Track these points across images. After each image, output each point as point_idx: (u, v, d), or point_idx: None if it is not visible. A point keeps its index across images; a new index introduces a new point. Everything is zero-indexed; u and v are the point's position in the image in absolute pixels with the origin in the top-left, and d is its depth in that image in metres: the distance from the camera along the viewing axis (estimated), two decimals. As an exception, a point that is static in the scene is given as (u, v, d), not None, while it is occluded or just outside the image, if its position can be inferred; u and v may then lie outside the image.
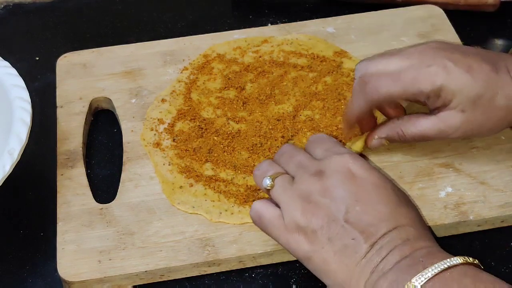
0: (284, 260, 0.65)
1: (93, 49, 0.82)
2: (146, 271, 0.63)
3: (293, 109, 0.74)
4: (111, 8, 0.93)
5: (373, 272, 0.53)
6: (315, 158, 0.59)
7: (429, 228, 0.61)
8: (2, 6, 0.93)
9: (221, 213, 0.66)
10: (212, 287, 0.64)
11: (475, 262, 0.52)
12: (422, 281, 0.50)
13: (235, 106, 0.75)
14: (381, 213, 0.55)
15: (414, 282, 0.50)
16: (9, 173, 0.62)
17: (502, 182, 0.68)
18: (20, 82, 0.68)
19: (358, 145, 0.68)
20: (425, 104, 0.62)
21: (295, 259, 0.64)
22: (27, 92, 0.68)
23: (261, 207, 0.59)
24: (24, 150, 0.64)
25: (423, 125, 0.62)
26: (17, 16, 0.92)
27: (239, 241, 0.64)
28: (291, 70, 0.78)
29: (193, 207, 0.67)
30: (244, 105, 0.75)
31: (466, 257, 0.52)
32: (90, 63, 0.80)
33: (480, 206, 0.66)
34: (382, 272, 0.52)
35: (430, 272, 0.50)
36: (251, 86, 0.77)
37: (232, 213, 0.66)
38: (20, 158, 0.63)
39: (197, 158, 0.70)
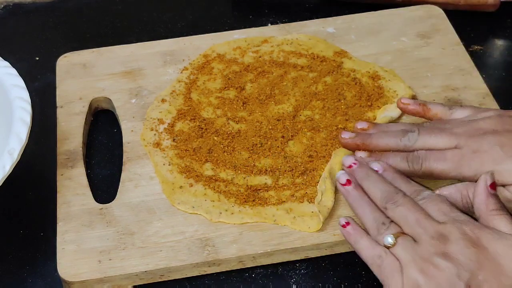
0: (284, 260, 0.65)
1: (93, 49, 0.82)
2: (146, 271, 0.63)
3: (293, 109, 0.74)
4: (111, 8, 0.93)
5: None
6: (433, 219, 0.58)
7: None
8: (2, 6, 0.93)
9: (221, 213, 0.66)
10: (212, 287, 0.64)
11: None
12: None
13: (235, 106, 0.75)
14: (504, 285, 0.53)
15: None
16: (9, 173, 0.62)
17: (502, 182, 0.68)
18: (20, 82, 0.68)
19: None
20: None
21: (295, 259, 0.64)
22: (27, 92, 0.68)
23: (386, 258, 0.57)
24: (24, 150, 0.64)
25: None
26: (17, 16, 0.92)
27: (239, 241, 0.64)
28: (291, 70, 0.78)
29: (193, 207, 0.67)
30: (244, 105, 0.75)
31: None
32: (90, 63, 0.80)
33: (480, 206, 0.66)
34: None
35: None
36: (251, 86, 0.77)
37: (232, 213, 0.66)
38: (20, 158, 0.63)
39: (197, 158, 0.70)
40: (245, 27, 0.84)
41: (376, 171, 0.64)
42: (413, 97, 0.75)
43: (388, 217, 0.59)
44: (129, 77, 0.79)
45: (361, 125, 0.69)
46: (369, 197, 0.62)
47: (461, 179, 0.63)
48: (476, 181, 0.60)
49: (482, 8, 0.88)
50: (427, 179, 0.64)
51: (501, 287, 0.53)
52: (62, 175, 0.70)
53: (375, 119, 0.73)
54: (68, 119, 0.75)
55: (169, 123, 0.74)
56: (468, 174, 0.62)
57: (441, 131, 0.64)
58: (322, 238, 0.64)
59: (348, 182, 0.63)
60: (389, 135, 0.67)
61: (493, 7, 0.87)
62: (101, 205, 0.67)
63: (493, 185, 0.59)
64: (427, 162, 0.63)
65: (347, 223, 0.60)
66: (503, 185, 0.60)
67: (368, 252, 0.58)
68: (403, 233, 0.57)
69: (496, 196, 0.58)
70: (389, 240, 0.57)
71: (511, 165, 0.60)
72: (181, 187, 0.68)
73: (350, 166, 0.65)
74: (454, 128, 0.64)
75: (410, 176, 0.64)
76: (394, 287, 0.55)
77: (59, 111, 0.76)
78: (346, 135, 0.69)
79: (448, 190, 0.62)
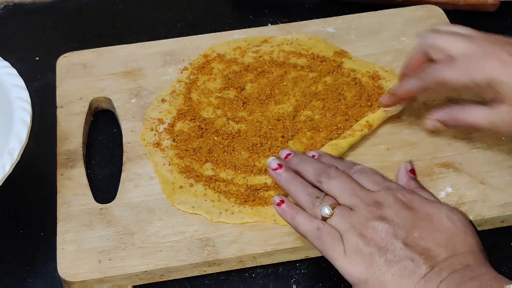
0: (284, 260, 0.65)
1: (93, 49, 0.82)
2: (146, 271, 0.63)
3: (293, 109, 0.74)
4: (111, 8, 0.93)
5: None
6: (367, 189, 0.59)
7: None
8: (2, 6, 0.93)
9: (221, 213, 0.66)
10: (212, 287, 0.64)
11: None
12: None
13: (235, 106, 0.75)
14: (439, 240, 0.55)
15: None
16: (9, 173, 0.62)
17: (502, 182, 0.68)
18: (20, 82, 0.68)
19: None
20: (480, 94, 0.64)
21: (295, 259, 0.65)
22: (27, 92, 0.68)
23: (324, 228, 0.58)
24: (24, 150, 0.64)
25: (476, 114, 0.64)
26: (17, 16, 0.92)
27: (239, 241, 0.64)
28: (291, 70, 0.78)
29: (193, 207, 0.67)
30: (244, 105, 0.75)
31: None
32: (90, 63, 0.80)
33: (480, 206, 0.66)
34: None
35: None
36: (251, 86, 0.77)
37: (232, 213, 0.66)
38: (20, 158, 0.63)
39: (197, 158, 0.70)
40: (245, 27, 0.84)
41: (312, 157, 0.65)
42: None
43: (322, 191, 0.60)
44: (129, 77, 0.79)
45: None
46: (302, 177, 0.62)
47: (473, 88, 0.63)
48: (478, 92, 0.63)
49: (482, 8, 0.88)
50: (437, 89, 0.67)
51: (435, 242, 0.55)
52: (62, 175, 0.70)
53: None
54: (68, 119, 0.75)
55: (169, 123, 0.74)
56: (477, 78, 0.62)
57: (455, 35, 0.65)
58: (322, 238, 0.64)
59: (279, 166, 0.63)
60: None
61: (493, 7, 0.87)
62: (101, 205, 0.67)
63: (412, 171, 0.63)
64: (439, 71, 0.64)
65: (282, 201, 0.61)
66: (493, 100, 0.62)
67: (306, 226, 0.59)
68: (339, 204, 0.59)
69: (415, 179, 0.62)
70: (326, 211, 0.58)
71: None
72: (181, 187, 0.68)
73: (286, 157, 0.65)
74: (469, 36, 0.65)
75: (424, 90, 0.67)
76: (337, 254, 0.56)
77: (59, 111, 0.76)
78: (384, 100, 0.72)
79: (439, 114, 0.67)
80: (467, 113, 0.65)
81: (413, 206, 0.57)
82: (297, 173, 0.63)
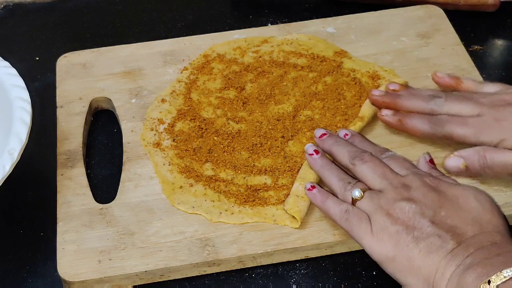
0: (284, 260, 0.65)
1: (93, 49, 0.82)
2: (146, 271, 0.63)
3: (293, 109, 0.74)
4: (111, 8, 0.93)
5: (459, 265, 0.54)
6: (396, 173, 0.62)
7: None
8: (2, 6, 0.93)
9: (221, 213, 0.66)
10: (212, 287, 0.64)
11: None
12: None
13: (235, 106, 0.75)
14: (466, 219, 0.57)
15: (504, 273, 0.51)
16: (9, 173, 0.62)
17: (502, 182, 0.68)
18: (20, 82, 0.68)
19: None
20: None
21: (295, 259, 0.64)
22: (27, 92, 0.68)
23: (352, 211, 0.60)
24: (24, 150, 0.64)
25: (507, 154, 0.65)
26: (17, 16, 0.92)
27: (239, 241, 0.64)
28: (291, 70, 0.78)
29: (193, 207, 0.67)
30: (244, 105, 0.75)
31: None
32: (90, 63, 0.80)
33: (480, 206, 0.66)
34: (470, 265, 0.53)
35: None
36: (251, 86, 0.77)
37: (232, 213, 0.66)
38: (20, 158, 0.63)
39: (197, 158, 0.70)
40: (245, 27, 0.84)
41: (344, 137, 0.67)
42: None
43: (354, 178, 0.63)
44: (129, 77, 0.79)
45: (393, 86, 0.73)
46: (336, 164, 0.65)
47: (478, 145, 0.66)
48: (500, 144, 0.65)
49: (482, 8, 0.88)
50: (446, 142, 0.68)
51: (462, 220, 0.56)
52: (62, 175, 0.70)
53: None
54: (68, 119, 0.75)
55: (169, 123, 0.74)
56: (486, 140, 0.65)
57: (467, 99, 0.68)
58: (322, 238, 0.64)
59: (316, 152, 0.66)
60: (417, 98, 0.70)
61: (493, 7, 0.87)
62: (101, 205, 0.67)
63: (431, 161, 0.65)
64: (449, 125, 0.67)
65: (313, 187, 0.64)
66: None
67: (335, 208, 0.61)
68: (370, 189, 0.61)
69: (435, 168, 0.64)
70: (356, 193, 0.61)
71: None
72: (181, 187, 0.68)
73: (320, 137, 0.68)
74: (480, 98, 0.68)
75: (430, 138, 0.68)
76: (363, 233, 0.58)
77: (59, 111, 0.76)
78: (376, 93, 0.72)
79: (467, 152, 0.66)
80: (498, 152, 0.65)
81: (440, 189, 0.59)
82: (331, 154, 0.66)
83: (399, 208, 0.58)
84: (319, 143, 0.68)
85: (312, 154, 0.66)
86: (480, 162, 0.66)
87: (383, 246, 0.57)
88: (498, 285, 0.50)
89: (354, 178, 0.63)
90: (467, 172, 0.67)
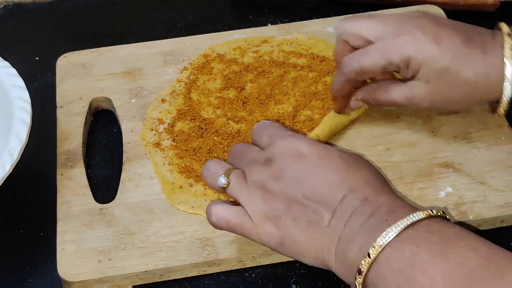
0: (284, 260, 0.65)
1: (93, 49, 0.82)
2: (146, 271, 0.63)
3: (292, 109, 0.74)
4: (111, 8, 0.93)
5: (340, 238, 0.53)
6: (262, 149, 0.60)
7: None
8: (2, 6, 0.93)
9: (221, 213, 0.66)
10: (212, 287, 0.64)
11: (439, 213, 0.52)
12: (386, 240, 0.50)
13: (235, 106, 0.75)
14: (333, 180, 0.55)
15: (379, 242, 0.50)
16: (9, 173, 0.62)
17: (502, 182, 0.68)
18: (20, 82, 0.68)
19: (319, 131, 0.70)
20: (399, 73, 0.65)
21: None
22: (27, 92, 0.68)
23: (224, 210, 0.58)
24: (24, 150, 0.64)
25: (393, 92, 0.65)
26: (17, 16, 0.92)
27: (239, 241, 0.64)
28: (291, 70, 0.78)
29: (193, 207, 0.67)
30: (244, 105, 0.75)
31: (429, 211, 0.52)
32: (90, 63, 0.80)
33: (480, 206, 0.66)
34: (350, 237, 0.53)
35: (393, 231, 0.50)
36: (251, 86, 0.77)
37: (232, 213, 0.66)
38: (20, 158, 0.63)
39: (197, 158, 0.70)
40: (245, 27, 0.84)
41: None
42: None
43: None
44: (129, 77, 0.79)
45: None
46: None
47: (393, 69, 0.64)
48: (401, 73, 0.63)
49: (482, 8, 0.88)
50: (360, 78, 0.66)
51: (331, 184, 0.55)
52: (62, 175, 0.70)
53: None
54: (68, 119, 0.75)
55: (169, 123, 0.74)
56: (395, 60, 0.62)
57: (369, 16, 0.66)
58: (322, 238, 0.64)
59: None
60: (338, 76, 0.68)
61: (493, 7, 0.87)
62: (101, 205, 0.67)
63: None
64: (353, 60, 0.64)
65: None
66: (411, 78, 0.63)
67: (227, 214, 0.58)
68: (233, 169, 0.59)
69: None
70: (222, 180, 0.58)
71: (427, 53, 0.61)
72: (181, 187, 0.68)
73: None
74: (381, 16, 0.66)
75: (347, 84, 0.67)
76: (247, 230, 0.57)
77: (59, 111, 0.76)
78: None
79: (361, 94, 0.68)
80: (385, 90, 0.65)
81: (302, 151, 0.57)
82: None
83: (269, 191, 0.56)
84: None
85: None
86: (373, 100, 0.67)
87: (269, 235, 0.56)
88: (377, 256, 0.50)
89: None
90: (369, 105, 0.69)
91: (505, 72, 0.60)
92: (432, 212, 0.52)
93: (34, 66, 0.84)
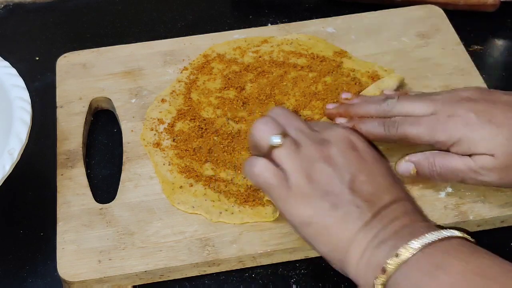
0: (284, 260, 0.65)
1: (93, 49, 0.82)
2: (145, 271, 0.63)
3: (292, 109, 0.74)
4: (111, 8, 0.93)
5: (374, 238, 0.53)
6: (313, 129, 0.60)
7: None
8: (2, 6, 0.93)
9: (221, 213, 0.66)
10: (212, 287, 0.64)
11: (472, 240, 0.53)
12: (419, 244, 0.51)
13: (235, 106, 0.75)
14: (382, 185, 0.56)
15: (411, 245, 0.51)
16: (9, 173, 0.62)
17: (502, 182, 0.68)
18: (20, 82, 0.68)
19: None
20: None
21: (295, 259, 0.64)
22: (27, 92, 0.68)
23: (267, 167, 0.57)
24: (24, 150, 0.64)
25: (455, 161, 0.63)
26: (17, 16, 0.92)
27: (239, 241, 0.64)
28: (291, 70, 0.78)
29: (193, 207, 0.67)
30: (244, 105, 0.75)
31: (465, 234, 0.53)
32: (90, 63, 0.80)
33: (480, 206, 0.66)
34: (383, 238, 0.53)
35: (428, 238, 0.51)
36: (251, 86, 0.77)
37: (232, 213, 0.66)
38: (20, 158, 0.63)
39: (197, 158, 0.70)
40: (245, 27, 0.84)
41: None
42: None
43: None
44: (129, 77, 0.79)
45: (345, 95, 0.72)
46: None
47: (434, 144, 0.63)
48: (448, 148, 0.62)
49: (482, 8, 0.88)
50: (403, 144, 0.65)
51: (380, 187, 0.56)
52: (62, 175, 0.70)
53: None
54: (68, 119, 0.75)
55: (169, 123, 0.74)
56: (441, 138, 0.62)
57: (421, 98, 0.66)
58: (322, 238, 0.64)
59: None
60: (370, 102, 0.68)
61: (493, 7, 0.87)
62: (101, 205, 0.67)
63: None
64: (403, 126, 0.64)
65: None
66: (470, 155, 0.61)
67: (267, 171, 0.57)
68: (289, 136, 0.58)
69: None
70: (277, 139, 0.58)
71: (482, 132, 0.61)
72: (181, 187, 0.68)
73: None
74: (434, 96, 0.65)
75: (386, 141, 0.66)
76: (279, 194, 0.56)
77: (59, 111, 0.76)
78: (330, 106, 0.71)
79: (417, 157, 0.65)
80: (446, 158, 0.63)
81: (358, 146, 0.58)
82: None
83: (318, 170, 0.56)
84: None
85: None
86: (430, 169, 0.64)
87: (301, 211, 0.55)
88: (408, 258, 0.50)
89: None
90: (418, 177, 0.65)
91: None
92: (466, 235, 0.53)
93: (34, 66, 0.84)
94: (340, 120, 0.68)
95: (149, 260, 0.63)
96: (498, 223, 0.66)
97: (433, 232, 0.51)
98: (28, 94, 0.67)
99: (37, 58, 0.86)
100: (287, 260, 0.65)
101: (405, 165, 0.65)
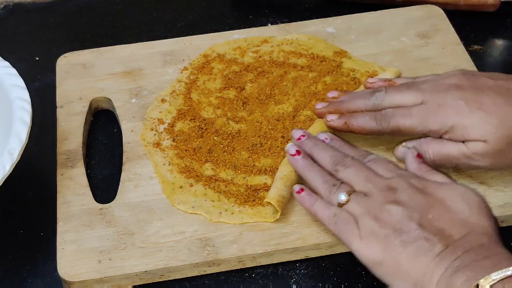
0: (284, 260, 0.65)
1: (93, 49, 0.82)
2: (146, 271, 0.63)
3: (293, 109, 0.74)
4: (111, 8, 0.93)
5: (447, 268, 0.53)
6: (381, 176, 0.61)
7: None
8: (2, 6, 0.93)
9: (221, 213, 0.66)
10: (212, 287, 0.64)
11: None
12: (501, 276, 0.50)
13: (235, 106, 0.75)
14: (453, 221, 0.56)
15: (492, 276, 0.51)
16: (9, 173, 0.62)
17: (502, 182, 0.68)
18: (20, 82, 0.68)
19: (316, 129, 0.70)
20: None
21: (295, 259, 0.65)
22: (27, 92, 0.68)
23: (340, 214, 0.59)
24: (24, 150, 0.64)
25: (448, 147, 0.64)
26: (17, 16, 0.92)
27: (239, 241, 0.64)
28: (291, 70, 0.78)
29: (193, 207, 0.67)
30: (244, 105, 0.75)
31: None
32: (90, 63, 0.80)
33: (480, 206, 0.66)
34: (458, 268, 0.53)
35: (509, 270, 0.51)
36: (251, 86, 0.77)
37: (232, 213, 0.66)
38: (20, 158, 0.63)
39: (197, 158, 0.70)
40: (245, 27, 0.84)
41: (324, 141, 0.67)
42: None
43: (338, 180, 0.62)
44: (129, 77, 0.79)
45: (332, 94, 0.72)
46: (318, 164, 0.64)
47: (427, 134, 0.64)
48: (441, 135, 0.64)
49: (482, 8, 0.88)
50: (395, 136, 0.67)
51: (450, 223, 0.56)
52: (62, 175, 0.70)
53: None
54: (68, 119, 0.75)
55: (169, 123, 0.74)
56: (433, 127, 0.64)
57: (408, 88, 0.66)
58: (322, 238, 0.64)
59: (298, 152, 0.66)
60: (359, 97, 0.69)
61: (493, 7, 0.87)
62: (101, 205, 0.67)
63: (419, 155, 0.64)
64: (394, 119, 0.65)
65: (301, 190, 0.63)
66: (463, 141, 0.63)
67: (324, 212, 0.61)
68: (355, 191, 0.60)
69: (424, 162, 0.63)
70: (342, 197, 0.60)
71: (473, 119, 0.62)
72: (181, 187, 0.68)
73: (299, 139, 0.67)
74: (420, 85, 0.66)
75: (379, 134, 0.67)
76: (352, 238, 0.58)
77: (59, 111, 0.76)
78: (319, 106, 0.71)
79: (411, 144, 0.66)
80: (440, 144, 0.64)
81: (426, 190, 0.58)
82: (311, 157, 0.65)
83: (386, 211, 0.57)
84: (299, 145, 0.67)
85: (294, 155, 0.66)
86: (425, 156, 0.65)
87: (371, 250, 0.57)
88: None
89: (338, 180, 0.62)
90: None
91: None
92: None
93: (34, 66, 0.84)
94: (331, 117, 0.69)
95: (149, 260, 0.63)
96: (498, 223, 0.66)
97: None
98: (28, 94, 0.67)
99: (37, 58, 0.86)
100: (287, 260, 0.65)
101: (402, 151, 0.67)
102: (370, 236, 0.57)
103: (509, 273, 0.51)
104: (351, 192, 0.60)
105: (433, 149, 0.65)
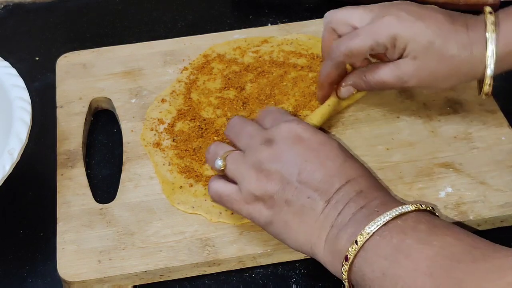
0: (284, 260, 0.65)
1: (93, 49, 0.82)
2: (146, 271, 0.63)
3: (292, 109, 0.74)
4: (111, 8, 0.93)
5: (332, 226, 0.55)
6: (264, 128, 0.61)
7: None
8: (2, 6, 0.93)
9: (221, 213, 0.66)
10: (212, 287, 0.64)
11: (428, 208, 0.54)
12: (374, 228, 0.52)
13: (235, 106, 0.75)
14: (331, 168, 0.56)
15: (367, 230, 0.52)
16: (9, 173, 0.62)
17: (502, 182, 0.68)
18: (20, 82, 0.68)
19: (314, 118, 0.70)
20: (387, 58, 0.66)
21: (295, 259, 0.65)
22: (27, 92, 0.68)
23: (218, 185, 0.60)
24: (24, 150, 0.64)
25: (382, 72, 0.66)
26: (17, 16, 0.92)
27: (239, 241, 0.64)
28: (291, 70, 0.78)
29: (193, 207, 0.67)
30: (244, 105, 0.75)
31: (419, 204, 0.53)
32: (90, 63, 0.80)
33: (480, 206, 0.66)
34: (341, 225, 0.54)
35: (382, 220, 0.52)
36: (251, 86, 0.77)
37: (232, 213, 0.66)
38: (20, 158, 0.63)
39: (197, 158, 0.70)
40: (245, 27, 0.84)
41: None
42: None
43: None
44: (129, 77, 0.79)
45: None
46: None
47: (381, 50, 0.65)
48: (388, 54, 0.65)
49: (481, 7, 0.87)
50: (349, 62, 0.68)
51: (328, 172, 0.56)
52: (62, 175, 0.70)
53: None
54: (68, 119, 0.75)
55: (169, 123, 0.74)
56: (382, 39, 0.64)
57: (356, 8, 0.67)
58: (322, 238, 0.64)
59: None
60: (326, 61, 0.69)
61: (493, 7, 0.87)
62: (101, 205, 0.67)
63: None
64: (342, 43, 0.66)
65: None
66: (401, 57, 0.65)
67: (220, 189, 0.60)
68: (232, 151, 0.60)
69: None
70: (219, 163, 0.60)
71: (414, 30, 0.63)
72: (181, 187, 0.68)
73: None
74: (369, 6, 0.67)
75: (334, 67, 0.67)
76: (238, 205, 0.59)
77: (59, 111, 0.76)
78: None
79: (351, 78, 0.68)
80: (374, 71, 0.66)
81: (304, 136, 0.58)
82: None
83: (266, 171, 0.57)
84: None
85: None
86: (364, 82, 0.67)
87: (260, 213, 0.57)
88: (365, 243, 0.51)
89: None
90: (359, 92, 0.70)
91: (487, 44, 0.63)
92: (421, 206, 0.53)
93: (34, 66, 0.84)
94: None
95: (149, 260, 0.63)
96: (498, 223, 0.67)
97: (387, 212, 0.52)
98: (28, 94, 0.67)
99: (37, 58, 0.86)
100: (287, 260, 0.65)
101: (345, 89, 0.69)
102: (254, 200, 0.57)
103: (380, 222, 0.52)
104: (227, 153, 0.60)
105: (369, 76, 0.66)
